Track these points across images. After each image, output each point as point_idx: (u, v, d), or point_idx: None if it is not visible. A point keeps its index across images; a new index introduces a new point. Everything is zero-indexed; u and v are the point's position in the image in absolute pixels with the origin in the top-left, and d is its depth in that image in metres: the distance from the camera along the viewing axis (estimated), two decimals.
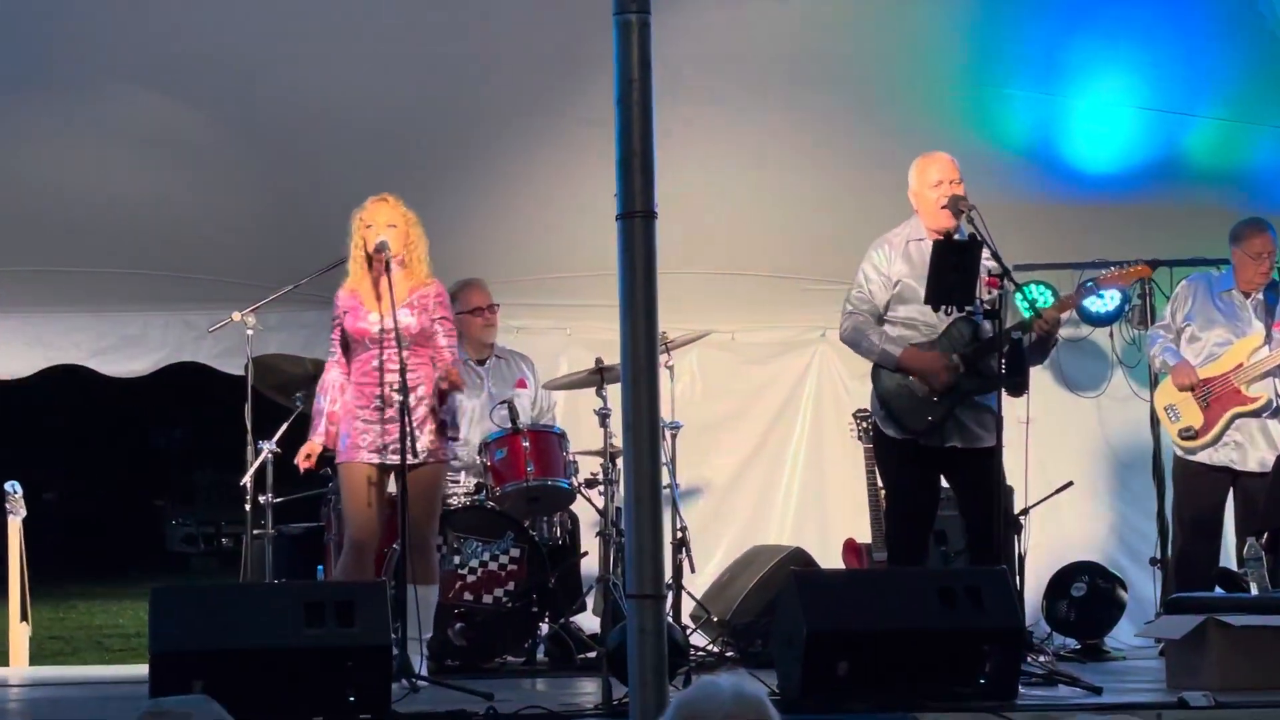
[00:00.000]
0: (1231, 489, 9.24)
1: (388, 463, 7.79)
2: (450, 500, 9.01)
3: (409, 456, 7.61)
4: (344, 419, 7.90)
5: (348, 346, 7.96)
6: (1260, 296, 9.27)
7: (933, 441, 7.95)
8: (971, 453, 7.97)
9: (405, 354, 7.68)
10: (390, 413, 7.73)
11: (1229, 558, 9.32)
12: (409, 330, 7.79)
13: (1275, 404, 9.15)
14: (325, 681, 6.43)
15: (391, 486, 7.91)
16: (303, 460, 8.01)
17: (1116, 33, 9.42)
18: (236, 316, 9.08)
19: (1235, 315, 9.28)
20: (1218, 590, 8.58)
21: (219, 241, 9.93)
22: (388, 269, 7.75)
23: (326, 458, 8.06)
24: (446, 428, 7.96)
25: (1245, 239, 9.26)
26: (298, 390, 9.12)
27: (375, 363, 7.83)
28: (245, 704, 6.08)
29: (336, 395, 7.95)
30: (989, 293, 7.82)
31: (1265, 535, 8.57)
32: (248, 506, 8.92)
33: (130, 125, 9.21)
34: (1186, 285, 9.53)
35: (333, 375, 7.99)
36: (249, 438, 8.90)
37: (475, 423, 9.52)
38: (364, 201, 7.97)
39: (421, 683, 7.44)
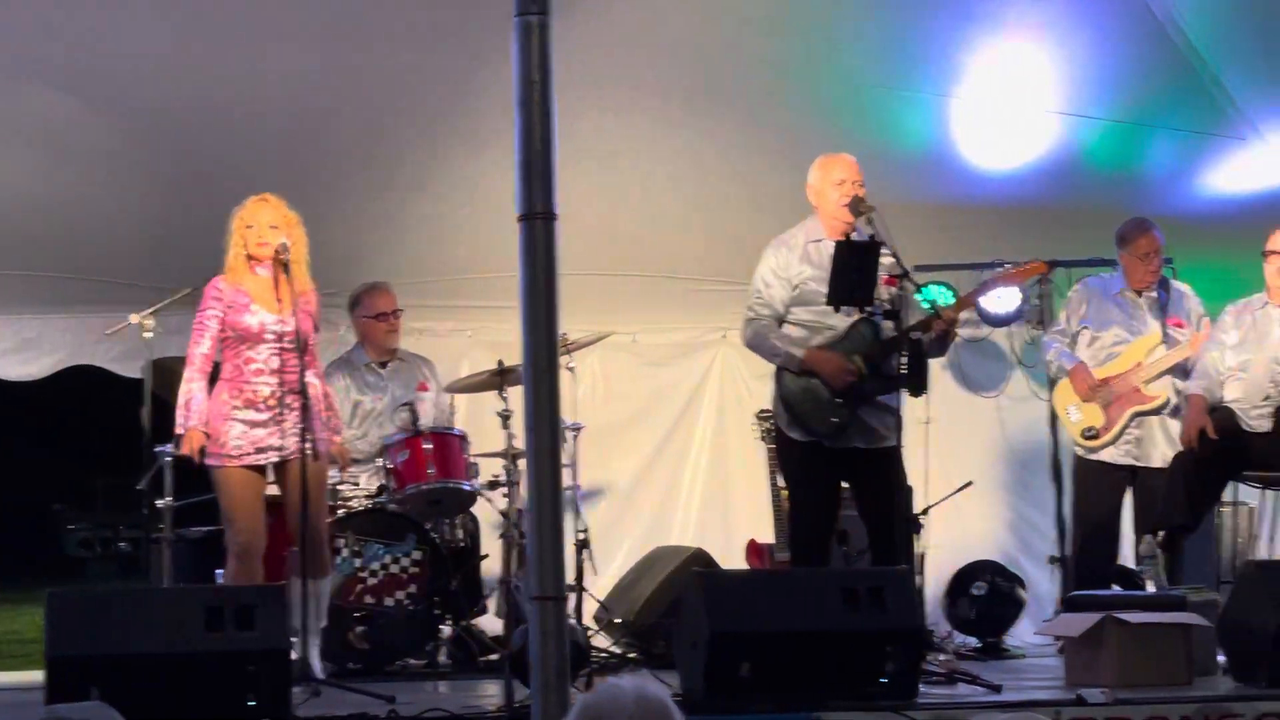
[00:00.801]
0: (1130, 487, 9.32)
1: (271, 464, 7.75)
2: (351, 503, 8.98)
3: (289, 455, 7.63)
4: (217, 419, 7.77)
5: (222, 340, 7.84)
6: (1154, 294, 9.36)
7: (837, 443, 7.99)
8: (873, 453, 8.01)
9: (292, 357, 7.65)
10: (283, 414, 7.68)
11: (1126, 556, 9.40)
12: (293, 333, 7.74)
13: (1174, 403, 9.24)
14: (225, 686, 6.40)
15: (272, 489, 7.88)
16: (196, 454, 7.85)
17: (1016, 35, 9.47)
18: (134, 319, 9.01)
19: (1130, 315, 9.37)
20: (1115, 588, 8.66)
21: (117, 243, 9.84)
22: (287, 270, 7.71)
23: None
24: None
25: (1132, 241, 9.36)
26: None
27: (268, 362, 7.75)
28: (144, 710, 6.08)
29: (204, 384, 7.81)
30: (887, 291, 7.86)
31: (1161, 533, 8.66)
32: (146, 510, 8.85)
33: (25, 125, 9.12)
34: (1079, 289, 9.62)
35: (200, 364, 7.80)
36: (147, 441, 8.84)
37: (377, 425, 9.49)
38: (244, 201, 7.91)
39: (322, 686, 7.41)
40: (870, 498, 8.06)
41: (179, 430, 7.82)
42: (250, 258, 7.84)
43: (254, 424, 7.74)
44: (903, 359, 7.80)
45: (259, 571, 7.81)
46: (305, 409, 7.55)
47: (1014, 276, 8.64)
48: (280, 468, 7.81)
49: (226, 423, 7.74)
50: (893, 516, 7.87)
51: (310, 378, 7.86)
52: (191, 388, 7.81)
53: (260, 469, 7.79)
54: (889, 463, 7.90)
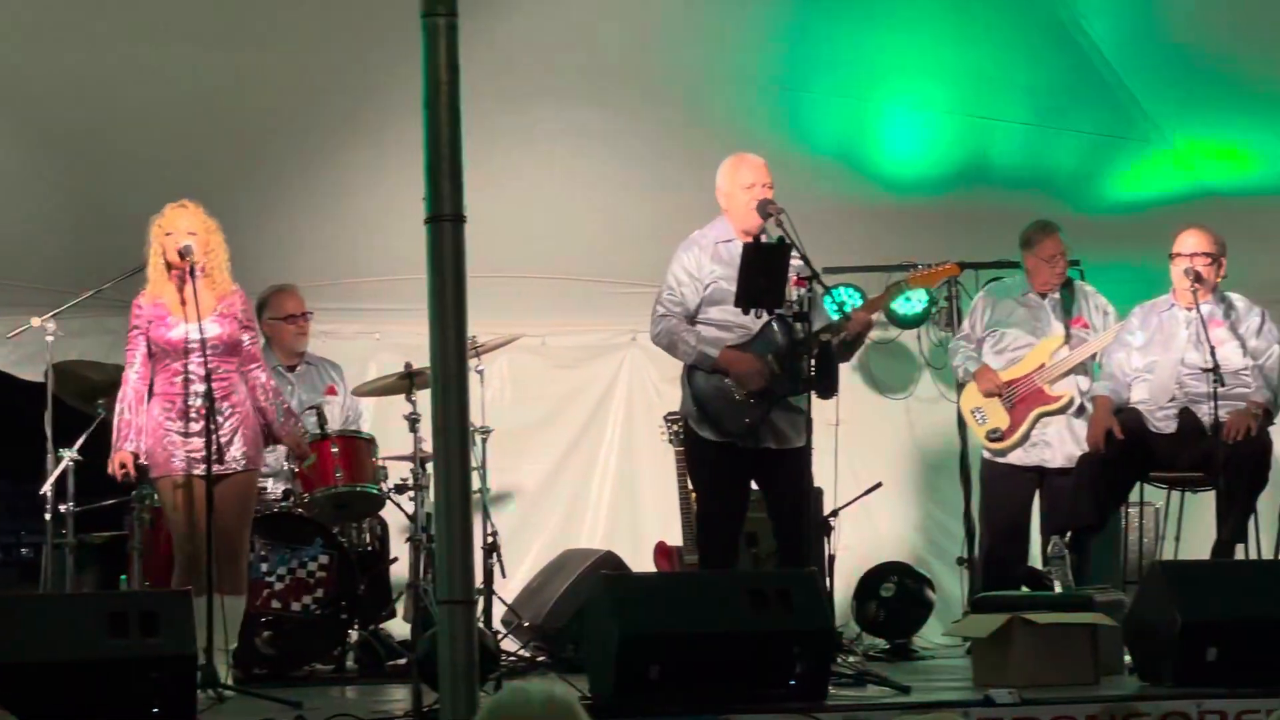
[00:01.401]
0: (1038, 489, 9.39)
1: (199, 473, 7.71)
2: (258, 507, 8.93)
3: (217, 465, 7.55)
4: (152, 433, 7.78)
5: (150, 356, 7.83)
6: (1057, 296, 9.43)
7: (748, 443, 8.01)
8: (783, 454, 8.04)
9: (213, 363, 7.60)
10: (198, 423, 7.65)
11: (1034, 557, 9.46)
12: (218, 339, 7.69)
13: (1079, 402, 9.31)
14: (129, 693, 6.36)
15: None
16: (118, 470, 7.84)
17: (924, 38, 9.54)
18: (36, 322, 8.92)
19: (1035, 318, 9.43)
20: (1023, 589, 8.73)
21: (18, 245, 9.76)
22: (192, 275, 7.66)
23: (139, 466, 7.96)
24: (262, 436, 7.89)
25: (1036, 244, 9.42)
26: (100, 397, 8.98)
27: (183, 373, 7.73)
28: (46, 718, 6.03)
29: (138, 405, 7.82)
30: (795, 292, 7.88)
31: (1068, 534, 8.73)
32: (48, 516, 8.78)
33: None
34: (983, 295, 9.72)
35: (133, 384, 7.84)
36: (49, 445, 8.76)
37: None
38: (163, 208, 7.86)
39: (227, 692, 7.37)
40: (779, 499, 8.09)
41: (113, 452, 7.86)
42: (170, 265, 7.79)
43: (186, 434, 7.69)
44: (812, 361, 7.81)
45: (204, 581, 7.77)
46: (210, 417, 7.48)
47: (925, 279, 8.69)
48: (214, 480, 7.74)
49: (162, 435, 7.71)
50: (801, 518, 7.91)
51: (255, 374, 7.88)
52: (122, 408, 7.81)
53: (199, 480, 7.71)
54: (798, 464, 7.92)
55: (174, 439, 7.69)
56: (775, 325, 8.01)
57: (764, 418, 7.99)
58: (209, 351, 7.61)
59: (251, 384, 7.87)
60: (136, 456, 7.83)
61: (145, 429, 7.76)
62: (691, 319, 8.10)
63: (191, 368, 7.71)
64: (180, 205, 7.81)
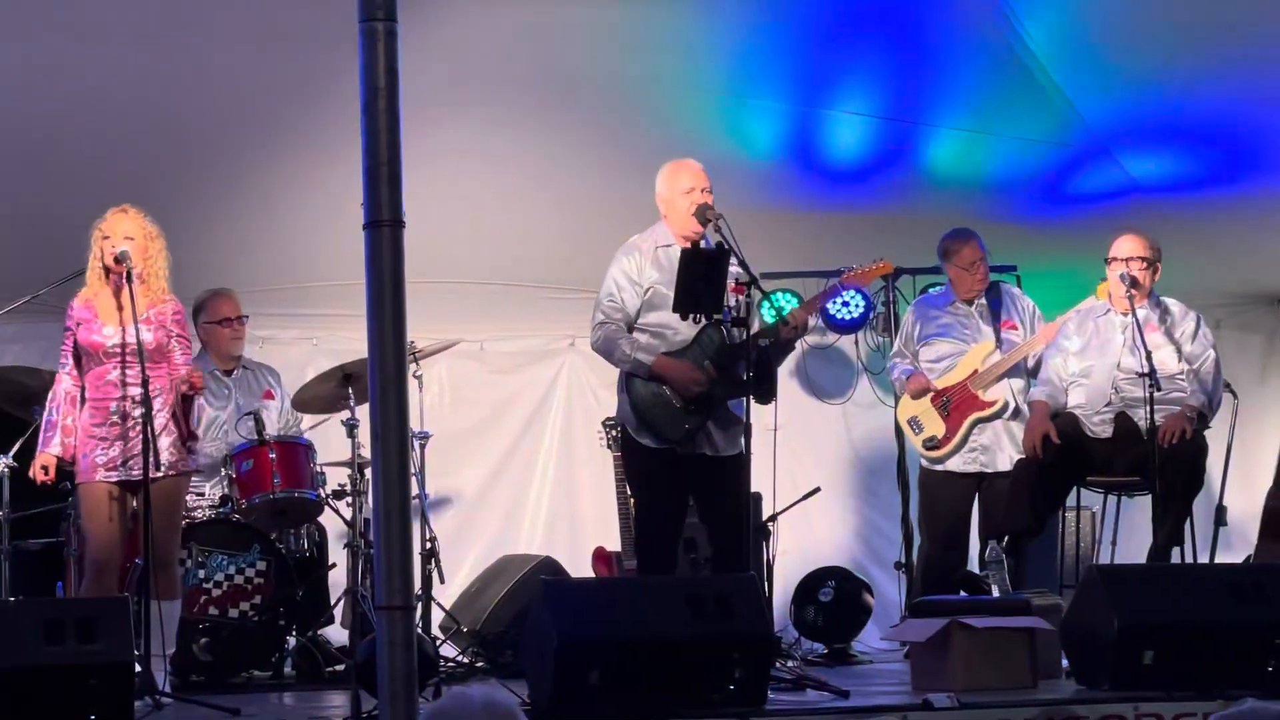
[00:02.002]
0: (977, 494, 9.42)
1: (129, 479, 7.67)
2: (195, 513, 8.90)
3: (151, 471, 7.52)
4: (80, 438, 7.74)
5: (79, 359, 7.81)
6: (983, 302, 9.49)
7: (686, 450, 8.02)
8: (719, 461, 8.05)
9: (137, 369, 7.57)
10: (130, 428, 7.62)
11: (971, 561, 9.50)
12: (146, 346, 7.66)
13: (1013, 406, 9.35)
14: (66, 700, 6.32)
15: (133, 502, 7.81)
16: (39, 474, 7.85)
17: (861, 43, 9.55)
18: None
19: (964, 326, 9.48)
20: (961, 593, 8.75)
21: None
22: (129, 280, 7.63)
23: (65, 471, 7.92)
24: (187, 439, 7.85)
25: (955, 252, 9.47)
26: (35, 403, 8.90)
27: (112, 377, 7.70)
28: None
29: (69, 408, 7.79)
30: (734, 299, 7.90)
31: (1005, 538, 8.77)
32: None
33: None
34: (912, 310, 9.78)
35: (65, 386, 7.82)
36: None
37: (222, 435, 9.41)
38: (105, 212, 7.84)
39: (165, 699, 7.34)
40: (715, 506, 8.10)
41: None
42: (108, 270, 7.77)
43: (107, 440, 7.67)
44: (750, 366, 7.82)
45: (113, 588, 7.73)
46: (146, 422, 7.45)
47: (860, 277, 8.72)
48: (133, 486, 7.73)
49: (87, 440, 7.68)
50: (738, 524, 7.91)
51: (154, 386, 7.79)
52: (51, 408, 7.83)
53: (123, 485, 7.70)
54: (734, 471, 7.93)
55: (97, 444, 7.67)
56: (711, 331, 8.02)
57: (702, 424, 8.00)
58: (132, 357, 7.59)
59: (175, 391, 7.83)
60: (60, 460, 7.80)
61: (75, 432, 7.73)
62: (630, 325, 8.10)
63: (114, 374, 7.68)
64: (120, 210, 7.79)
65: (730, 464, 8.00)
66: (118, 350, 7.69)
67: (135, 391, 7.57)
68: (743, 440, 7.83)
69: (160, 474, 7.61)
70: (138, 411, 7.55)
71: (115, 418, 7.67)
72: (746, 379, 7.81)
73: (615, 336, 8.08)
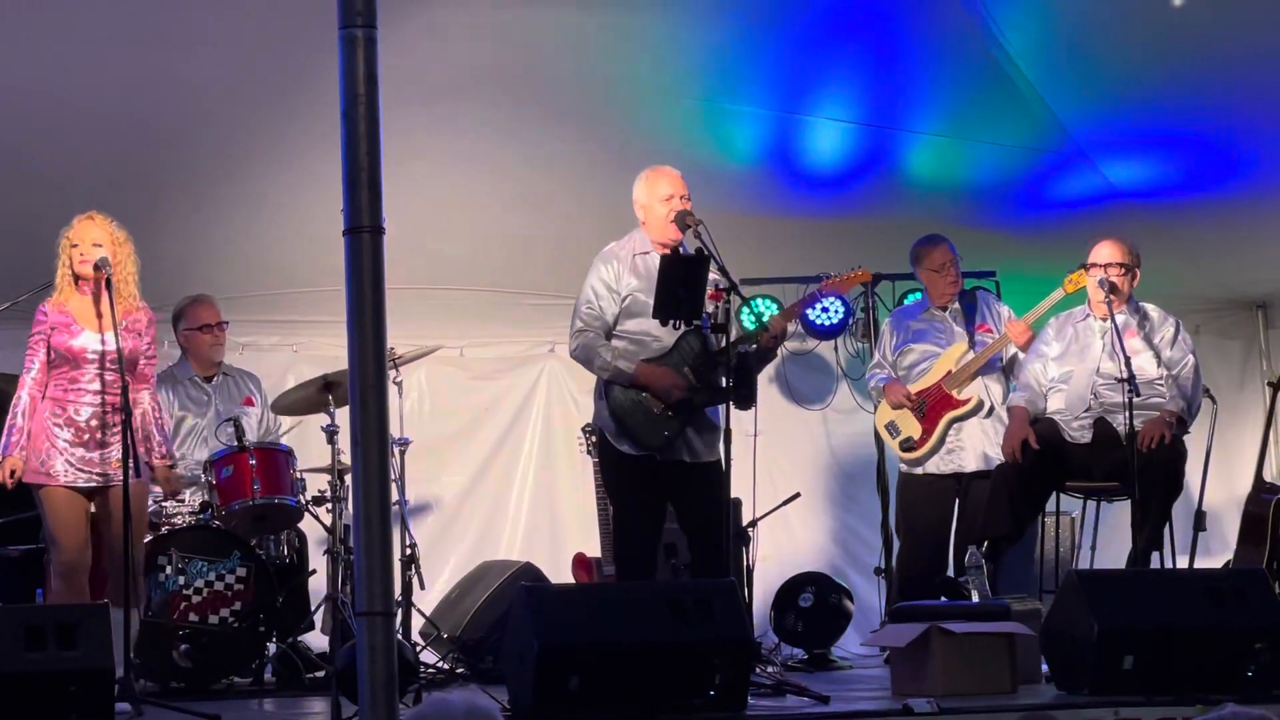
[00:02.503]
0: (957, 497, 9.43)
1: (92, 485, 7.67)
2: (175, 519, 8.89)
3: (105, 479, 7.61)
4: (37, 439, 7.72)
5: (50, 363, 7.78)
6: (957, 306, 9.52)
7: (665, 456, 8.02)
8: (697, 467, 8.05)
9: (111, 375, 7.57)
10: (108, 435, 7.61)
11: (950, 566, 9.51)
12: (120, 352, 7.65)
13: (988, 404, 9.37)
14: (47, 706, 6.32)
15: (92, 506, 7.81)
16: (8, 478, 7.80)
17: (840, 49, 9.56)
18: None
19: (938, 330, 9.52)
20: (941, 599, 8.76)
21: None
22: (108, 287, 7.62)
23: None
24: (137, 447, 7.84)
25: (925, 256, 9.51)
26: None
27: (89, 384, 7.68)
28: None
29: (32, 412, 7.77)
30: (712, 305, 7.90)
31: (985, 543, 8.78)
32: None
33: None
34: (889, 321, 9.83)
35: (31, 391, 7.80)
36: None
37: (201, 441, 9.41)
38: (71, 220, 7.83)
39: (146, 705, 7.33)
40: (694, 512, 8.10)
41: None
42: (78, 277, 7.77)
43: (75, 444, 7.67)
44: (729, 373, 7.82)
45: (84, 591, 7.73)
46: (127, 430, 7.45)
47: (839, 285, 8.74)
48: (100, 491, 7.73)
49: (48, 442, 7.67)
50: (717, 530, 7.91)
51: (142, 396, 7.87)
52: (16, 412, 7.79)
53: (83, 490, 7.71)
54: (713, 478, 7.94)
55: (64, 447, 7.65)
56: (691, 337, 8.03)
57: (681, 431, 8.00)
58: (110, 365, 7.59)
59: (138, 404, 7.83)
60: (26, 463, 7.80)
61: (34, 432, 7.73)
62: (609, 332, 8.10)
63: (93, 381, 7.67)
64: (87, 217, 7.79)
65: (709, 470, 8.01)
66: (97, 357, 7.69)
67: (114, 399, 7.57)
68: (721, 446, 7.84)
69: (121, 481, 7.58)
70: (112, 422, 7.55)
71: (93, 424, 7.66)
72: (726, 385, 7.82)
73: (594, 344, 8.08)
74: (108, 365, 7.68)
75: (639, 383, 7.99)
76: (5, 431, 7.79)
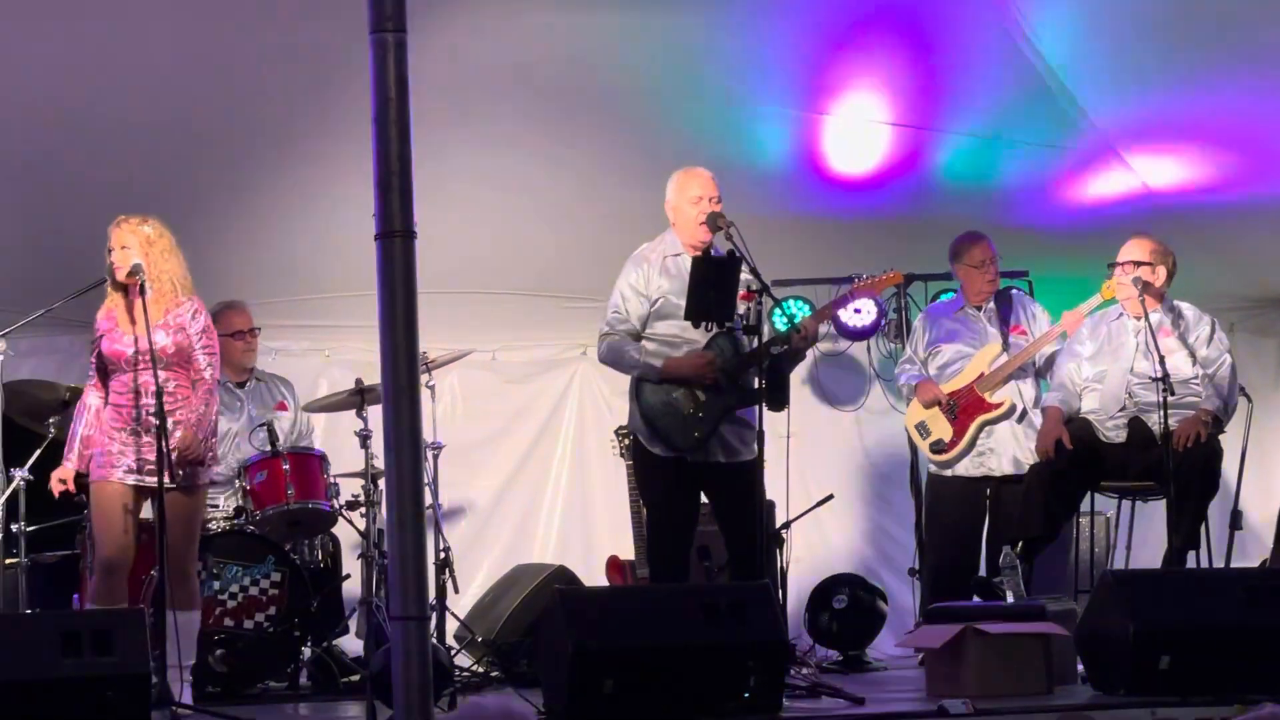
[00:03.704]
0: (988, 499, 9.42)
1: (144, 485, 7.68)
2: (209, 524, 8.91)
3: (167, 479, 7.53)
4: (99, 439, 7.77)
5: (104, 369, 7.84)
6: (992, 306, 9.51)
7: (697, 457, 8.01)
8: (733, 467, 8.04)
9: (163, 376, 7.57)
10: (148, 436, 7.63)
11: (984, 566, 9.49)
12: (165, 351, 7.67)
13: (1020, 408, 9.35)
14: (84, 712, 6.33)
15: (147, 510, 7.82)
16: (56, 485, 7.87)
17: (873, 52, 9.55)
18: None
19: (972, 330, 9.50)
20: (975, 599, 8.75)
21: None
22: (142, 291, 7.64)
23: (83, 484, 7.92)
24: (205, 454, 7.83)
25: (965, 252, 9.49)
26: (50, 416, 8.95)
27: (132, 385, 7.72)
28: None
29: (92, 420, 7.83)
30: (744, 306, 7.89)
31: (1019, 544, 8.75)
32: (0, 535, 8.75)
33: None
34: (922, 317, 9.81)
35: (90, 398, 7.87)
36: (0, 465, 8.73)
37: (234, 446, 9.43)
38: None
39: (182, 710, 7.35)
40: (730, 512, 8.09)
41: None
42: (114, 282, 7.80)
43: (124, 444, 7.69)
44: (762, 374, 7.82)
45: (122, 592, 7.73)
46: (160, 431, 7.45)
47: (871, 287, 8.73)
48: (151, 494, 7.74)
49: (106, 441, 7.71)
50: (753, 531, 7.91)
51: (198, 389, 7.79)
52: (76, 424, 7.88)
53: (138, 490, 7.70)
54: (749, 477, 7.92)
55: (117, 447, 7.69)
56: (722, 339, 8.02)
57: (713, 431, 8.00)
58: (159, 365, 7.60)
59: (189, 398, 7.82)
60: (78, 474, 7.82)
61: (94, 440, 7.76)
62: (638, 335, 8.09)
63: (140, 381, 7.69)
64: (115, 223, 7.80)
65: (743, 470, 8.00)
66: (136, 359, 7.70)
67: (151, 401, 7.59)
68: (756, 446, 7.83)
69: (177, 484, 7.59)
70: (169, 422, 7.58)
71: (135, 425, 7.69)
72: (759, 387, 7.82)
73: (621, 345, 8.08)
74: (141, 367, 7.68)
75: (668, 376, 7.98)
76: (69, 439, 7.88)
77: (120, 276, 7.75)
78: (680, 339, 8.04)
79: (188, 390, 7.79)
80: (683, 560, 8.11)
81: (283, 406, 9.74)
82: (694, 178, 8.14)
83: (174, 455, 7.53)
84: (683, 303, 7.93)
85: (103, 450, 7.72)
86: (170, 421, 7.57)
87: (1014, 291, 9.80)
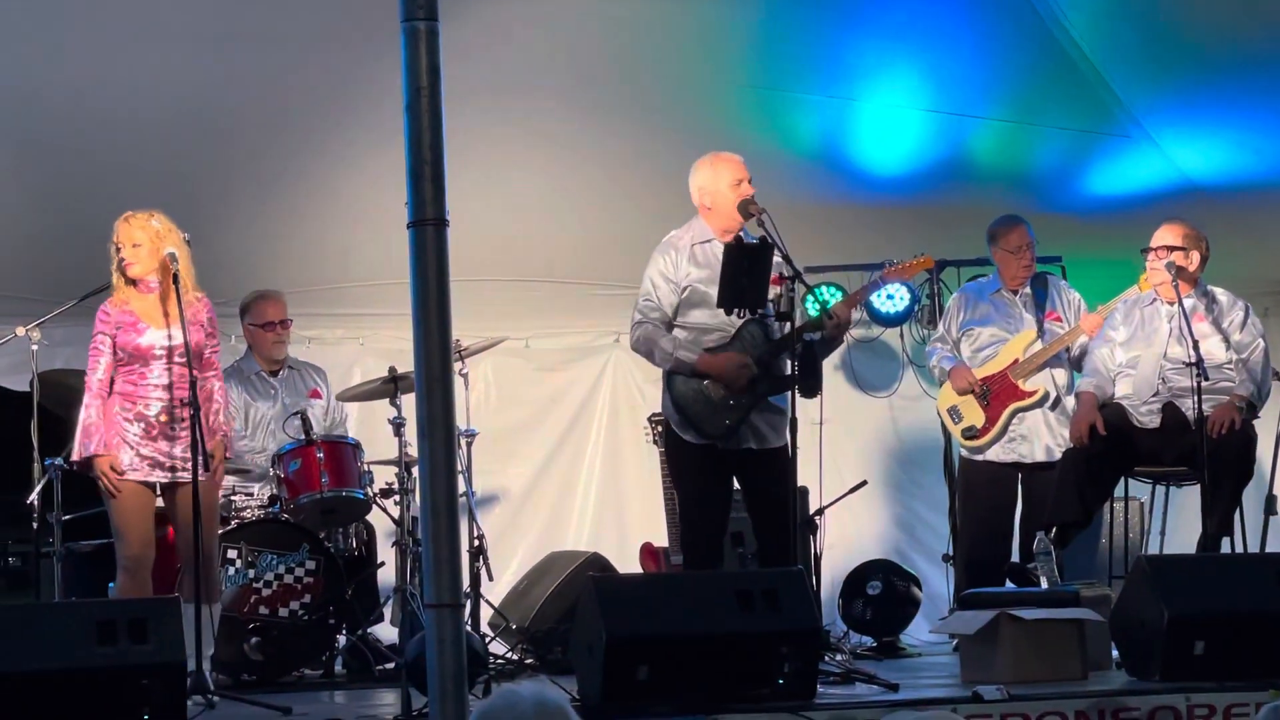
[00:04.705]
0: (1019, 485, 9.40)
1: (161, 480, 7.72)
2: (244, 513, 8.94)
3: (175, 474, 7.65)
4: (107, 434, 7.74)
5: (115, 362, 7.81)
6: (1028, 291, 9.47)
7: (729, 444, 8.00)
8: (763, 454, 8.03)
9: (180, 370, 7.60)
10: (178, 429, 7.65)
11: (1016, 552, 9.46)
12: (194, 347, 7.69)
13: (1054, 395, 9.33)
14: (120, 701, 6.34)
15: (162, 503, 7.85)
16: (113, 475, 7.80)
17: (902, 36, 9.54)
18: (21, 331, 8.91)
19: (1007, 314, 9.46)
20: (1009, 585, 8.73)
21: (2, 256, 9.75)
22: (176, 282, 7.65)
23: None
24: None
25: (1002, 236, 9.45)
26: None
27: (157, 379, 7.71)
28: None
29: (97, 414, 7.80)
30: (774, 291, 7.87)
31: (1053, 529, 8.73)
32: (35, 524, 8.77)
33: None
34: (957, 296, 9.75)
35: (96, 390, 7.81)
36: (35, 454, 8.75)
37: (269, 434, 9.45)
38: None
39: (217, 698, 7.36)
40: (759, 499, 8.08)
41: (78, 456, 7.85)
42: (130, 279, 7.79)
43: (144, 439, 7.70)
44: (794, 361, 7.80)
45: (149, 586, 7.77)
46: (195, 425, 7.48)
47: (902, 272, 8.73)
48: (169, 488, 7.77)
49: (117, 437, 7.71)
50: (784, 517, 7.90)
51: (211, 384, 7.90)
52: (90, 413, 7.80)
53: (151, 485, 7.75)
54: (779, 464, 7.91)
55: (130, 440, 7.68)
56: (752, 326, 8.01)
57: (743, 419, 7.98)
58: (178, 359, 7.62)
59: (207, 392, 7.86)
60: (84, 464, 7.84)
61: (93, 428, 7.76)
62: (669, 323, 8.08)
63: (161, 376, 7.70)
64: (123, 219, 7.79)
65: (775, 456, 7.99)
66: (164, 353, 7.72)
67: (183, 394, 7.60)
68: (788, 433, 7.82)
69: (202, 476, 7.62)
70: (182, 416, 7.59)
71: (162, 419, 7.69)
72: (791, 373, 7.80)
73: (654, 336, 8.06)
74: (175, 360, 7.71)
75: (701, 372, 7.97)
76: (83, 433, 7.82)
77: (135, 272, 7.74)
78: (710, 326, 8.02)
79: (209, 386, 7.82)
80: (716, 548, 8.10)
81: (316, 394, 9.75)
82: (728, 162, 8.10)
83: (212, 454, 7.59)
84: (712, 290, 7.91)
85: (113, 446, 7.72)
86: (182, 418, 7.61)
87: (1051, 277, 9.74)
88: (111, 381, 7.80)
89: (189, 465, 7.58)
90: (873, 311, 10.93)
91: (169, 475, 7.73)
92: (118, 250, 7.79)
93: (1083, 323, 9.34)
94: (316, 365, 10.00)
